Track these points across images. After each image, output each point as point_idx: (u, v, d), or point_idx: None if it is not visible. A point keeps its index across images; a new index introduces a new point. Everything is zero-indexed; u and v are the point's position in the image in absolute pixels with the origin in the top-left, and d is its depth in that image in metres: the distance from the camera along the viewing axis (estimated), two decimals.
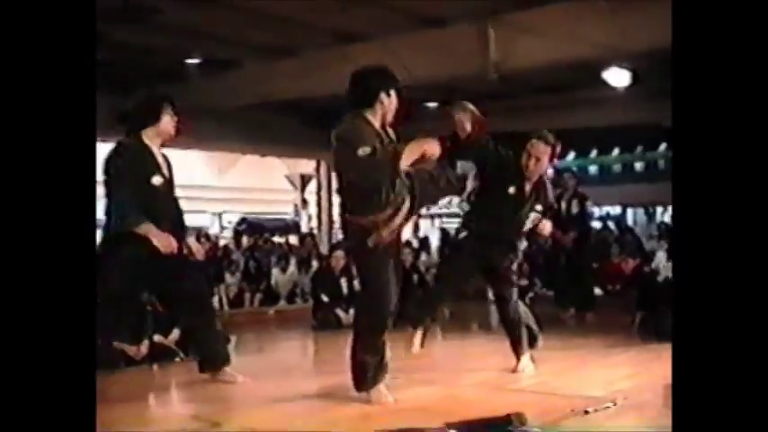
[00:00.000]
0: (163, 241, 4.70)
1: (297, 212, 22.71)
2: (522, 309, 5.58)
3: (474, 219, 5.51)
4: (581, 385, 4.99)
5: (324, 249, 13.83)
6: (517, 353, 5.45)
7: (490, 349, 6.24)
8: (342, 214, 4.39)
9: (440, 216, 21.26)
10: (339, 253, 9.18)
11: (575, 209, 9.23)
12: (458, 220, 18.27)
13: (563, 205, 9.26)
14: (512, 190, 5.31)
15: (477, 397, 4.76)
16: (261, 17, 9.39)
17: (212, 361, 5.21)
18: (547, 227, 5.54)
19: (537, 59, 9.29)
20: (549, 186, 5.57)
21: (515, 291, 5.55)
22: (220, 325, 5.48)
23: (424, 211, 20.79)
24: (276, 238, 16.54)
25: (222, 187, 26.49)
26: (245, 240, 14.79)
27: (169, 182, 4.97)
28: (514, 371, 5.34)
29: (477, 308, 10.32)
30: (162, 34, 9.80)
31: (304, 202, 21.51)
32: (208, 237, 14.19)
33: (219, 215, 27.30)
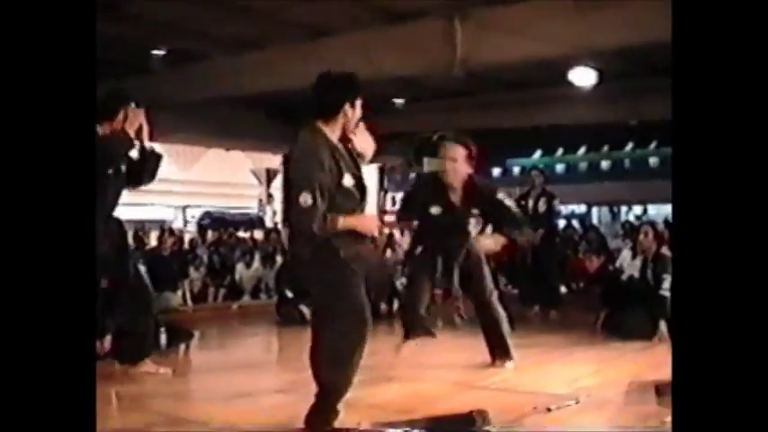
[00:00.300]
0: None
1: (262, 207, 22.64)
2: (501, 314, 5.65)
3: (424, 235, 5.61)
4: (544, 382, 5.02)
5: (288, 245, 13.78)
6: (494, 354, 5.53)
7: (455, 346, 6.26)
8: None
9: None
10: None
11: (542, 207, 9.28)
12: None
13: (530, 203, 9.32)
14: (435, 210, 5.37)
15: (440, 394, 4.77)
16: (229, 9, 9.35)
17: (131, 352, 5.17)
18: (487, 244, 5.49)
19: (504, 56, 9.34)
20: (484, 186, 5.54)
21: (493, 294, 5.64)
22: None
23: (389, 207, 20.84)
24: (240, 233, 16.47)
25: (186, 181, 26.35)
26: (209, 235, 14.70)
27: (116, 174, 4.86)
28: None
29: (442, 305, 10.35)
30: (127, 23, 9.71)
31: (269, 196, 21.44)
32: (172, 231, 14.08)
33: (183, 209, 27.12)
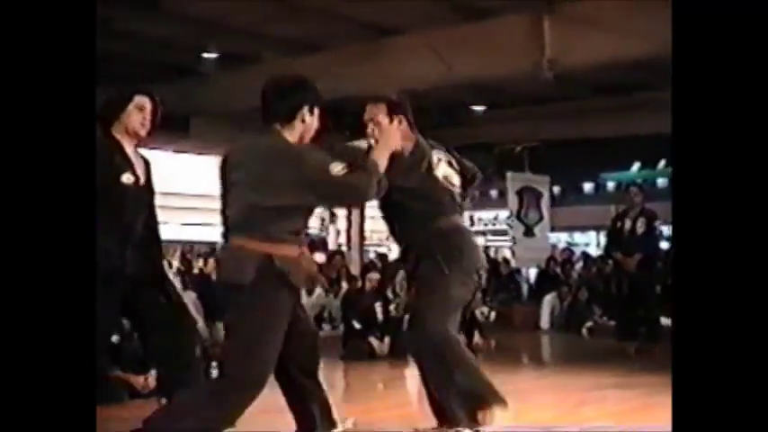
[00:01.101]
0: None
1: (324, 227, 22.75)
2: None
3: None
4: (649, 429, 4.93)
5: (354, 269, 13.83)
6: None
7: (541, 385, 6.19)
8: None
9: (484, 233, 21.17)
10: (373, 275, 9.17)
11: (641, 228, 9.13)
12: (505, 237, 18.21)
13: (627, 224, 9.18)
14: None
15: None
16: (284, 7, 9.43)
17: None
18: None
19: (598, 57, 9.22)
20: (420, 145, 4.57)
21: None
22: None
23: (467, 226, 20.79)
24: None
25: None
26: None
27: (145, 186, 4.66)
28: None
29: (527, 338, 10.30)
30: (176, 25, 9.89)
31: (332, 215, 21.54)
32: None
33: None
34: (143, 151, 4.80)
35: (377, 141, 4.32)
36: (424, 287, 4.44)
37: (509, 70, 9.97)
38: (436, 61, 9.69)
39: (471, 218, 20.53)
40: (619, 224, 9.35)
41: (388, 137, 4.29)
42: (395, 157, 4.21)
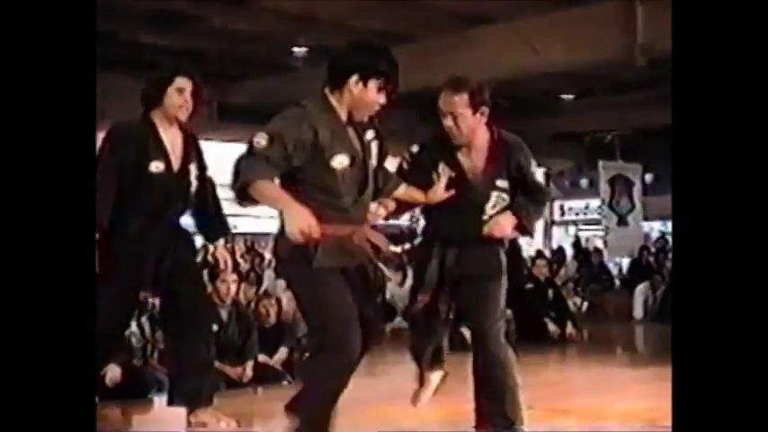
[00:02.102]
0: None
1: (414, 218, 22.75)
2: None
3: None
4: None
5: None
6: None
7: (636, 376, 6.10)
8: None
9: (575, 223, 20.90)
10: None
11: None
12: (596, 226, 17.98)
13: None
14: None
15: None
16: (374, 0, 9.45)
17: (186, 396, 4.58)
18: (501, 225, 4.04)
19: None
20: (510, 149, 4.13)
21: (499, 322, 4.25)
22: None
23: (557, 217, 20.53)
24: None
25: None
26: None
27: (181, 171, 4.47)
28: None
29: (621, 328, 10.16)
30: (266, 20, 10.00)
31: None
32: None
33: None
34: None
35: (455, 137, 3.99)
36: None
37: (600, 57, 9.84)
38: (526, 50, 9.62)
39: (561, 207, 20.30)
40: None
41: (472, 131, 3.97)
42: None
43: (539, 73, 10.84)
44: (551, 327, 9.23)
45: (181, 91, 4.41)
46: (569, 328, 9.35)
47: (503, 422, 4.15)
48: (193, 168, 4.53)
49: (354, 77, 3.45)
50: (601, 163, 14.87)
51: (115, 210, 4.24)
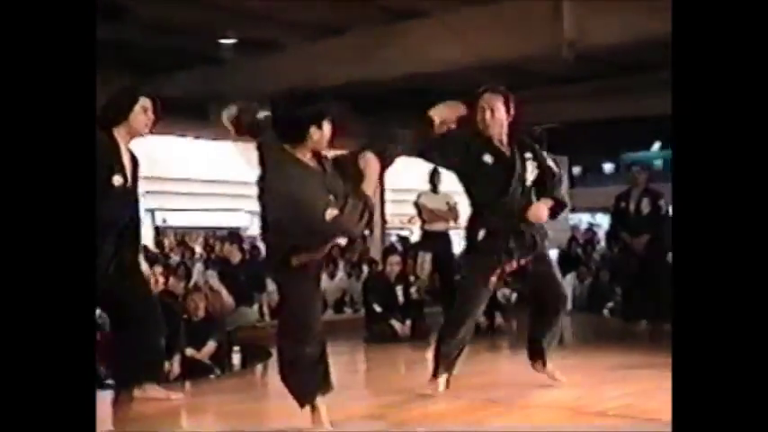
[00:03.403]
0: None
1: None
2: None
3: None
4: (668, 409, 4.90)
5: (375, 253, 13.85)
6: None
7: (564, 365, 6.18)
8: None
9: None
10: (394, 258, 9.20)
11: (645, 208, 9.12)
12: None
13: (631, 204, 9.16)
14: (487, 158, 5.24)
15: (551, 422, 4.72)
16: None
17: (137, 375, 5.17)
18: (540, 211, 5.28)
19: (619, 36, 9.14)
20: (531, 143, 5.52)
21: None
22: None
23: None
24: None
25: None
26: None
27: (132, 186, 5.01)
28: None
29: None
30: (193, 10, 9.89)
31: None
32: (240, 239, 14.29)
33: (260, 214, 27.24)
34: (136, 145, 5.13)
35: (487, 128, 5.20)
36: None
37: (528, 51, 9.90)
38: (456, 43, 9.65)
39: None
40: (623, 204, 9.36)
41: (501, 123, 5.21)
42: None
43: (468, 66, 10.88)
44: (481, 318, 9.30)
45: (145, 110, 4.98)
46: (498, 319, 9.45)
47: None
48: (138, 183, 5.05)
49: (312, 129, 4.07)
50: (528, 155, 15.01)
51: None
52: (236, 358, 6.26)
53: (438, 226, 10.15)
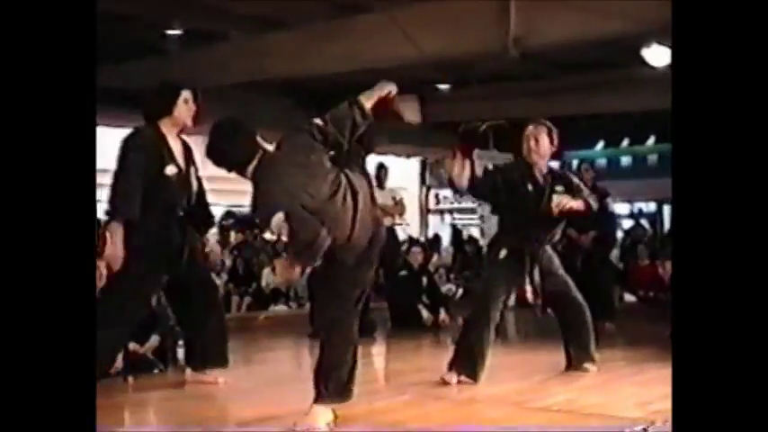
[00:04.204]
0: (110, 254, 4.99)
1: None
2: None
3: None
4: (613, 405, 4.97)
5: None
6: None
7: (509, 361, 6.23)
8: None
9: (450, 212, 21.15)
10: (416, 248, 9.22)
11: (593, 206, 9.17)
12: (471, 215, 18.23)
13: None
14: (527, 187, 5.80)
15: (498, 416, 4.75)
16: None
17: (204, 359, 5.59)
18: (564, 200, 5.83)
19: (564, 35, 9.23)
20: (566, 173, 6.16)
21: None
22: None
23: (432, 205, 20.74)
24: (266, 235, 16.47)
25: (204, 176, 26.18)
26: (232, 237, 14.77)
27: (186, 173, 5.32)
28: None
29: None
30: (139, 1, 9.78)
31: None
32: None
33: None
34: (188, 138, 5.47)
35: (530, 153, 5.85)
36: None
37: (475, 49, 9.95)
38: (402, 40, 9.66)
39: (437, 196, 20.51)
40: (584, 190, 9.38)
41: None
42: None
43: (415, 63, 10.89)
44: (425, 313, 9.35)
45: (187, 101, 5.29)
46: (442, 315, 9.48)
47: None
48: (192, 170, 5.39)
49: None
50: (475, 152, 15.05)
51: (140, 207, 5.01)
52: (180, 353, 6.18)
53: (384, 221, 10.12)
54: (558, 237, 6.18)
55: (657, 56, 10.45)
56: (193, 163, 5.42)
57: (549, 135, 5.90)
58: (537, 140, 5.86)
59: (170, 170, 5.19)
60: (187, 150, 5.41)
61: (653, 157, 22.94)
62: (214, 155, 4.19)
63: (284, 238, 4.03)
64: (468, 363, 5.52)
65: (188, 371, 5.66)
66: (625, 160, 22.30)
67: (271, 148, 4.17)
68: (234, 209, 25.33)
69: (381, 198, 10.13)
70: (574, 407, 4.92)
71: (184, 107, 5.30)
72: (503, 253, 5.75)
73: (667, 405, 4.90)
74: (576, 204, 5.88)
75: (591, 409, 4.84)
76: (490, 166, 5.95)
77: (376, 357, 8.08)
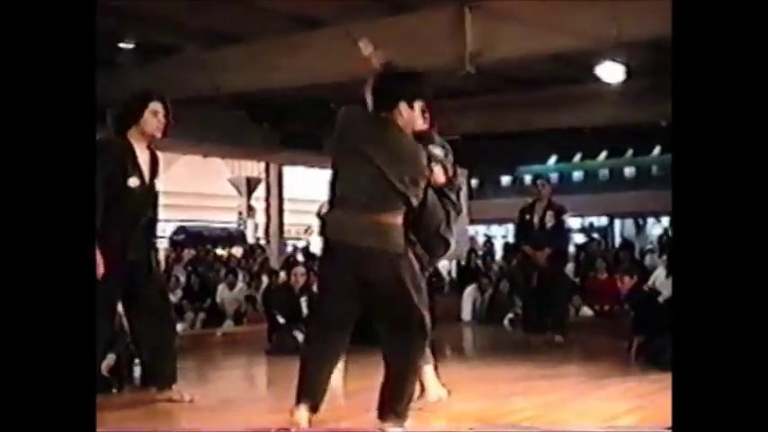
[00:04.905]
0: None
1: (242, 221, 22.59)
2: None
3: None
4: (577, 420, 4.97)
5: (274, 263, 13.74)
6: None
7: (469, 377, 6.22)
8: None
9: None
10: (300, 269, 9.15)
11: (549, 221, 9.22)
12: None
13: (535, 217, 9.26)
14: None
15: None
16: None
17: (163, 377, 5.49)
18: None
19: (519, 51, 9.28)
20: None
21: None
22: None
23: None
24: (219, 250, 16.39)
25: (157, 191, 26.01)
26: (185, 252, 14.69)
27: (150, 185, 5.30)
28: None
29: (450, 329, 10.34)
30: None
31: (250, 209, 21.39)
32: None
33: None
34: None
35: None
36: None
37: (432, 64, 9.92)
38: (357, 54, 9.64)
39: None
40: (527, 216, 9.44)
41: None
42: None
43: (370, 77, 10.88)
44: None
45: (156, 113, 5.24)
46: None
47: None
48: (157, 182, 5.35)
49: (402, 104, 4.33)
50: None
51: (101, 219, 4.86)
52: (137, 371, 6.08)
53: None
54: None
55: (611, 72, 10.57)
56: (156, 178, 5.37)
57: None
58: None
59: (133, 182, 5.15)
60: (154, 162, 5.35)
61: (604, 172, 23.25)
62: None
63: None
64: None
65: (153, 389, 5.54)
66: (577, 175, 22.55)
67: None
68: (185, 224, 25.31)
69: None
70: (540, 422, 4.91)
71: (153, 119, 5.25)
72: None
73: (632, 419, 4.99)
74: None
75: (560, 423, 4.84)
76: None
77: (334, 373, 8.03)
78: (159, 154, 5.48)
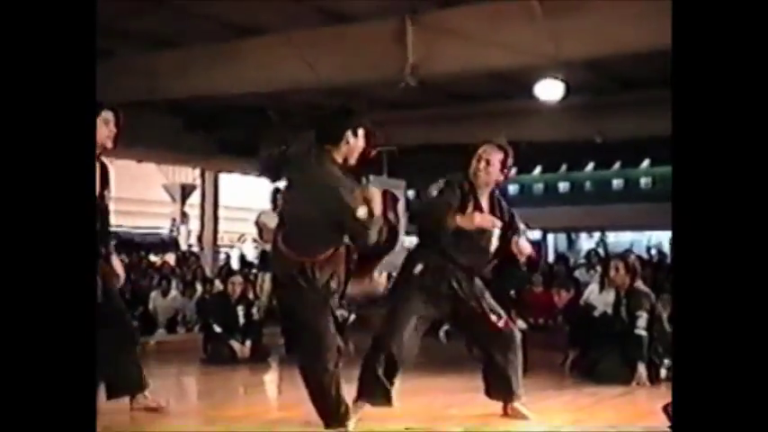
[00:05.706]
0: None
1: (175, 227, 22.35)
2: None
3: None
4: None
5: (208, 271, 13.62)
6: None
7: (405, 388, 6.22)
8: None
9: None
10: (237, 278, 9.09)
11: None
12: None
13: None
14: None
15: None
16: (140, 3, 9.15)
17: (128, 386, 5.38)
18: (523, 244, 5.53)
19: (460, 65, 9.34)
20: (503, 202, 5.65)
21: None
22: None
23: None
24: (152, 257, 16.19)
25: None
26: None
27: (101, 196, 5.12)
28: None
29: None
30: None
31: (184, 215, 21.17)
32: None
33: None
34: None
35: (477, 176, 5.43)
36: None
37: (373, 75, 9.98)
38: (299, 63, 9.62)
39: None
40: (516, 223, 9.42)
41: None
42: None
43: (309, 87, 10.86)
44: None
45: (107, 122, 5.14)
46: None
47: None
48: (107, 193, 5.22)
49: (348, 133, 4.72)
50: (370, 177, 15.06)
51: None
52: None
53: None
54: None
55: (550, 89, 10.69)
56: (106, 189, 5.23)
57: (504, 160, 5.50)
58: (488, 164, 5.46)
59: None
60: (104, 172, 5.23)
61: (539, 186, 23.48)
62: None
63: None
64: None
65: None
66: (512, 189, 22.74)
67: None
68: (118, 229, 24.92)
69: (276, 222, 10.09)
70: None
71: (104, 128, 5.11)
72: (418, 268, 5.52)
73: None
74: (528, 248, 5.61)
75: None
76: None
77: (269, 384, 8.00)
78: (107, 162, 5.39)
